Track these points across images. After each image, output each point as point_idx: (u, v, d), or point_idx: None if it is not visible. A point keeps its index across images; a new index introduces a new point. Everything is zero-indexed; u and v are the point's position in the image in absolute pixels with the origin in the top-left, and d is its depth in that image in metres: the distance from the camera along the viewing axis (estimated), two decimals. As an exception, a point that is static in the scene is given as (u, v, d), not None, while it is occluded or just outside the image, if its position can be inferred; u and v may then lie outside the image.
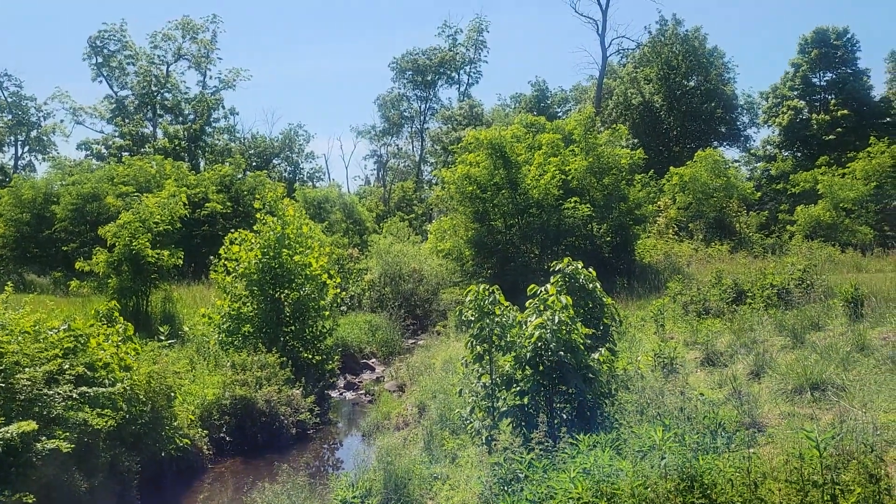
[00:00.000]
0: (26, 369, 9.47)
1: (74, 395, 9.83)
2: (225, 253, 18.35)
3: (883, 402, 8.67)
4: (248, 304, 17.91)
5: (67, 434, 9.24)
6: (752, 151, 52.48)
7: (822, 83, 47.31)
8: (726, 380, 10.72)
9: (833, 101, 45.67)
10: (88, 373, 10.53)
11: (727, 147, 52.00)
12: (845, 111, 44.00)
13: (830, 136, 43.71)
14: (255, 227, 18.47)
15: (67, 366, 10.21)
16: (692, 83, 50.24)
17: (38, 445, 8.74)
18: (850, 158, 36.56)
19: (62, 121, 60.01)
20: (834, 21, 66.90)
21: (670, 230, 32.59)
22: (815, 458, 5.77)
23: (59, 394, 9.59)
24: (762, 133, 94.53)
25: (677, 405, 8.91)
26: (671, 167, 36.09)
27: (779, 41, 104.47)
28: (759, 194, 39.78)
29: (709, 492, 5.82)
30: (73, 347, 10.78)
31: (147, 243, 19.92)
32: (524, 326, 9.23)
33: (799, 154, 47.10)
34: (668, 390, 10.06)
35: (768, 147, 50.48)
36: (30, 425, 8.52)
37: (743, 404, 9.28)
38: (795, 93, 47.73)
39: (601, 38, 51.91)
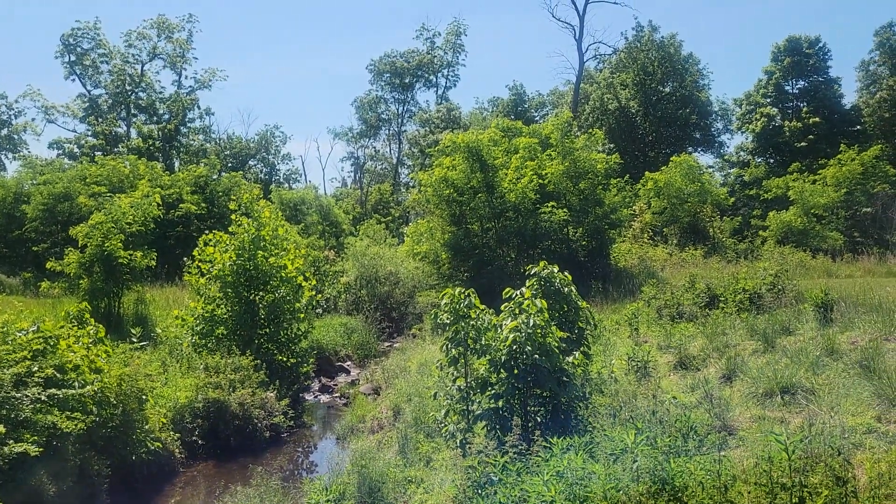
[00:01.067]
0: (-6, 371, 9.31)
1: (43, 398, 9.69)
2: (199, 254, 18.19)
3: (851, 406, 8.82)
4: (222, 306, 17.76)
5: (36, 437, 9.10)
6: (725, 157, 53.14)
7: (794, 91, 48.05)
8: (698, 383, 10.83)
9: (805, 109, 46.39)
10: (58, 375, 10.38)
11: (701, 153, 52.72)
12: (817, 119, 44.72)
13: (802, 143, 44.38)
14: (230, 229, 18.33)
15: (36, 368, 10.06)
16: (667, 89, 50.79)
17: (6, 449, 8.60)
18: (822, 165, 37.15)
19: (34, 119, 58.95)
20: (806, 30, 67.99)
21: (645, 235, 32.88)
22: (784, 461, 5.86)
23: (27, 396, 9.45)
24: (736, 139, 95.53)
25: (650, 408, 8.98)
26: (646, 172, 36.43)
27: (752, 49, 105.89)
28: (732, 200, 40.28)
29: (680, 494, 5.87)
30: (42, 349, 10.61)
31: (119, 244, 19.67)
32: (499, 330, 9.26)
33: (771, 160, 47.76)
34: (641, 394, 10.14)
35: (742, 153, 51.15)
36: (-3, 428, 8.38)
37: (714, 408, 9.38)
38: (768, 100, 48.42)
39: (578, 43, 52.23)
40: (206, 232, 19.06)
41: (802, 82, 47.64)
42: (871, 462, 6.41)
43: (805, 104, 46.97)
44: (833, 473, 5.79)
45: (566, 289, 10.52)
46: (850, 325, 12.69)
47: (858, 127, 45.87)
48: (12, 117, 59.05)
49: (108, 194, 27.75)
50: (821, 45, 46.97)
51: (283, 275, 18.19)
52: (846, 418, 8.35)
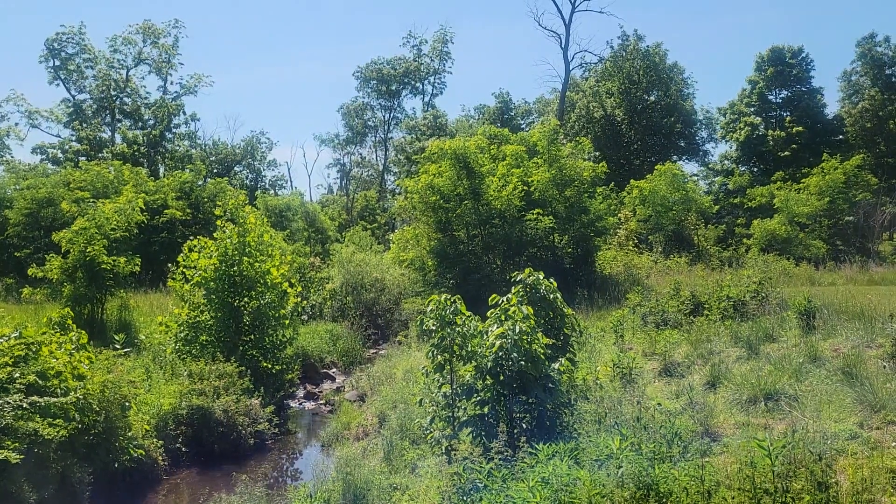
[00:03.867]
0: (-26, 378, 9.22)
1: (25, 405, 9.59)
2: (183, 260, 18.07)
3: (833, 412, 8.89)
4: (207, 312, 17.64)
5: (17, 444, 9.01)
6: (710, 166, 53.56)
7: (777, 100, 48.55)
8: (683, 390, 10.88)
9: (788, 118, 46.87)
10: (40, 382, 10.28)
11: (686, 161, 53.15)
12: (800, 128, 45.19)
13: (786, 153, 44.82)
14: (215, 235, 18.23)
15: (18, 374, 9.96)
16: (653, 98, 51.16)
17: (-14, 456, 8.50)
18: (805, 174, 37.52)
19: (17, 124, 58.06)
20: (789, 40, 68.58)
21: (630, 242, 33.02)
22: (768, 467, 5.90)
23: (8, 403, 9.35)
24: (720, 148, 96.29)
25: (635, 415, 9.00)
26: (632, 180, 36.60)
27: (736, 58, 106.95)
28: (716, 208, 40.56)
29: (664, 500, 5.90)
30: (24, 356, 10.51)
31: (103, 250, 19.51)
32: (485, 336, 9.27)
33: (755, 169, 48.19)
34: (626, 400, 10.16)
35: (726, 162, 51.57)
36: (-23, 435, 8.28)
37: (698, 414, 9.43)
38: (752, 109, 48.88)
39: (564, 51, 52.50)
40: (191, 238, 18.95)
41: (785, 92, 48.17)
42: (853, 467, 6.47)
43: (788, 113, 47.49)
44: (816, 479, 5.84)
45: (552, 296, 10.56)
46: (833, 332, 12.80)
47: (840, 136, 46.45)
48: (-5, 122, 58.41)
49: (92, 200, 27.52)
50: (804, 55, 47.54)
51: (268, 281, 18.10)
52: (829, 424, 8.42)
